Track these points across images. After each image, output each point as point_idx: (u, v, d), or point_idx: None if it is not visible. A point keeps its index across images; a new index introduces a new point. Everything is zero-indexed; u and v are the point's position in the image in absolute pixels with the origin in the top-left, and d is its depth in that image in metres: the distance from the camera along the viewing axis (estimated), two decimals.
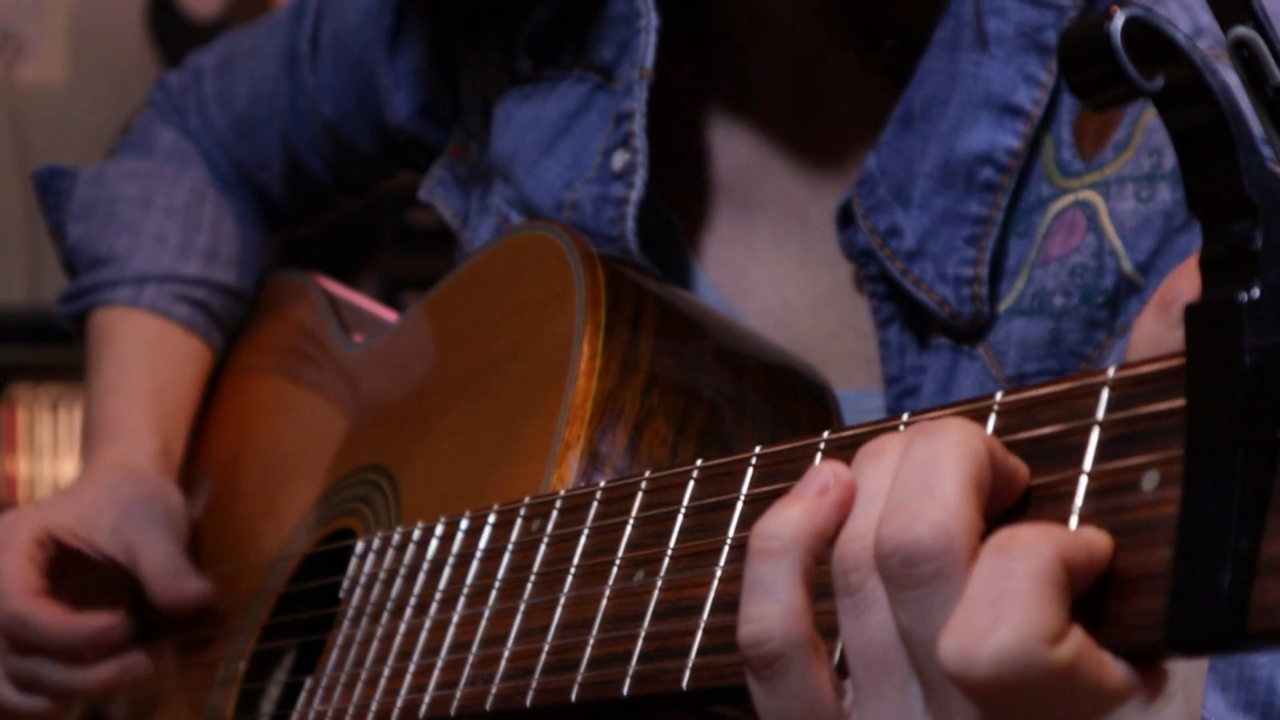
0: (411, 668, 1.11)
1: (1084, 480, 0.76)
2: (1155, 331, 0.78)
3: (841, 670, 0.81)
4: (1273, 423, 0.69)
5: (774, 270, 1.34)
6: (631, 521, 0.99)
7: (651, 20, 1.30)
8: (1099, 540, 0.73)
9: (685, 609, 0.93)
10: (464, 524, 1.13)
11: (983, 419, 0.81)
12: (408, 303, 1.49)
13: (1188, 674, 0.77)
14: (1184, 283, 0.76)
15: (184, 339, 1.67)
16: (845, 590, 0.78)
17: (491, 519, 1.11)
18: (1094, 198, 1.17)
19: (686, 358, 1.20)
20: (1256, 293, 0.70)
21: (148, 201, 1.71)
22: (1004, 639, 0.70)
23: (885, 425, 0.86)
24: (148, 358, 1.65)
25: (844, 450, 0.88)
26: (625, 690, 0.94)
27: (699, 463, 0.96)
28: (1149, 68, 0.70)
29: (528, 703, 1.00)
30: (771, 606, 0.79)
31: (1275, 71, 0.71)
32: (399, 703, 1.11)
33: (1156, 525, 0.72)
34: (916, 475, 0.75)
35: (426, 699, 1.08)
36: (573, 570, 1.02)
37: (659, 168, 1.31)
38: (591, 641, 0.98)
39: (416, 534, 1.18)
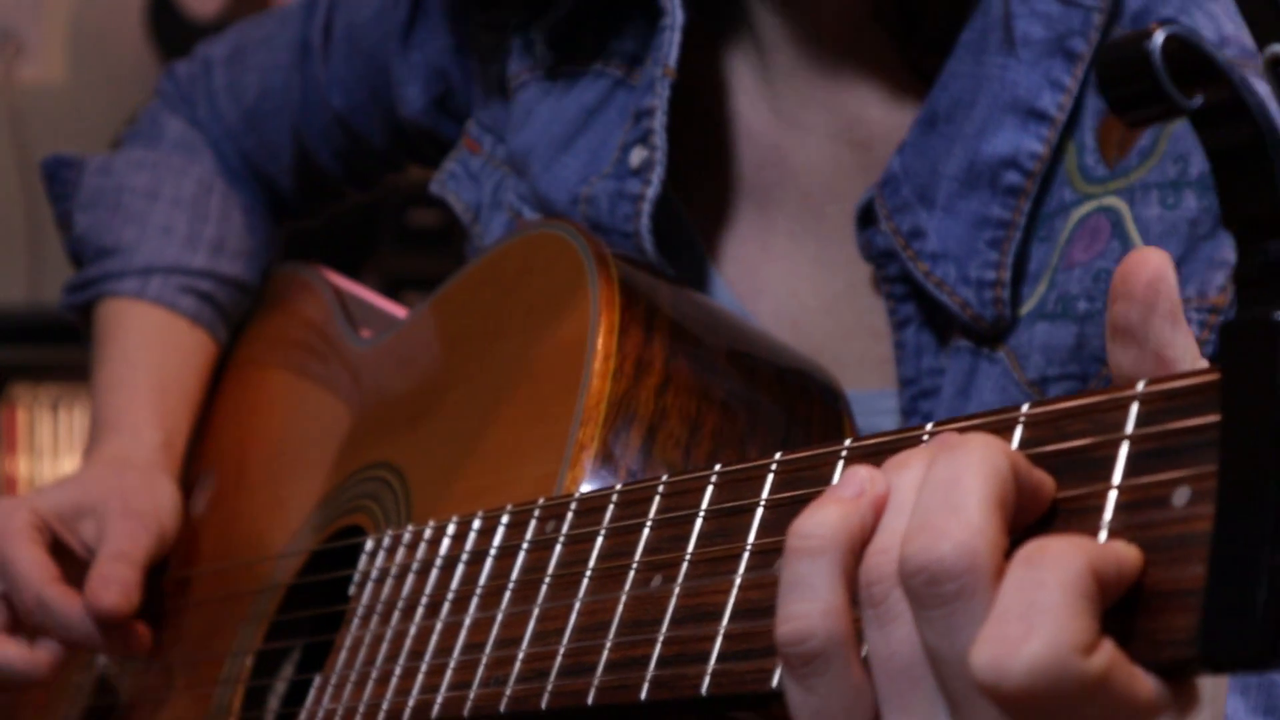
0: (424, 667, 1.11)
1: (1113, 494, 0.75)
2: (1126, 358, 0.81)
3: None
4: None
5: (789, 269, 1.34)
6: (649, 525, 0.99)
7: (677, 18, 1.30)
8: (1128, 554, 0.73)
9: (704, 614, 0.92)
10: (477, 523, 1.13)
11: (1009, 430, 0.81)
12: (409, 302, 1.49)
13: (1215, 684, 0.77)
14: (1118, 306, 0.80)
15: (189, 331, 1.67)
16: (869, 603, 0.78)
17: (505, 519, 1.10)
18: (1118, 204, 1.18)
19: (700, 359, 1.19)
20: None
21: (155, 192, 1.71)
22: (1036, 650, 0.70)
23: (909, 435, 0.86)
24: (152, 350, 1.65)
25: (866, 458, 0.87)
26: (643, 695, 0.93)
27: (718, 467, 0.96)
28: (1188, 86, 0.69)
29: (543, 705, 1.00)
30: (813, 605, 0.78)
31: None
32: (411, 702, 1.11)
33: (1188, 541, 0.72)
34: (940, 493, 0.75)
35: (439, 699, 1.08)
36: (589, 573, 1.02)
37: (676, 165, 1.31)
38: (609, 645, 0.97)
39: (428, 532, 1.17)
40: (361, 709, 1.15)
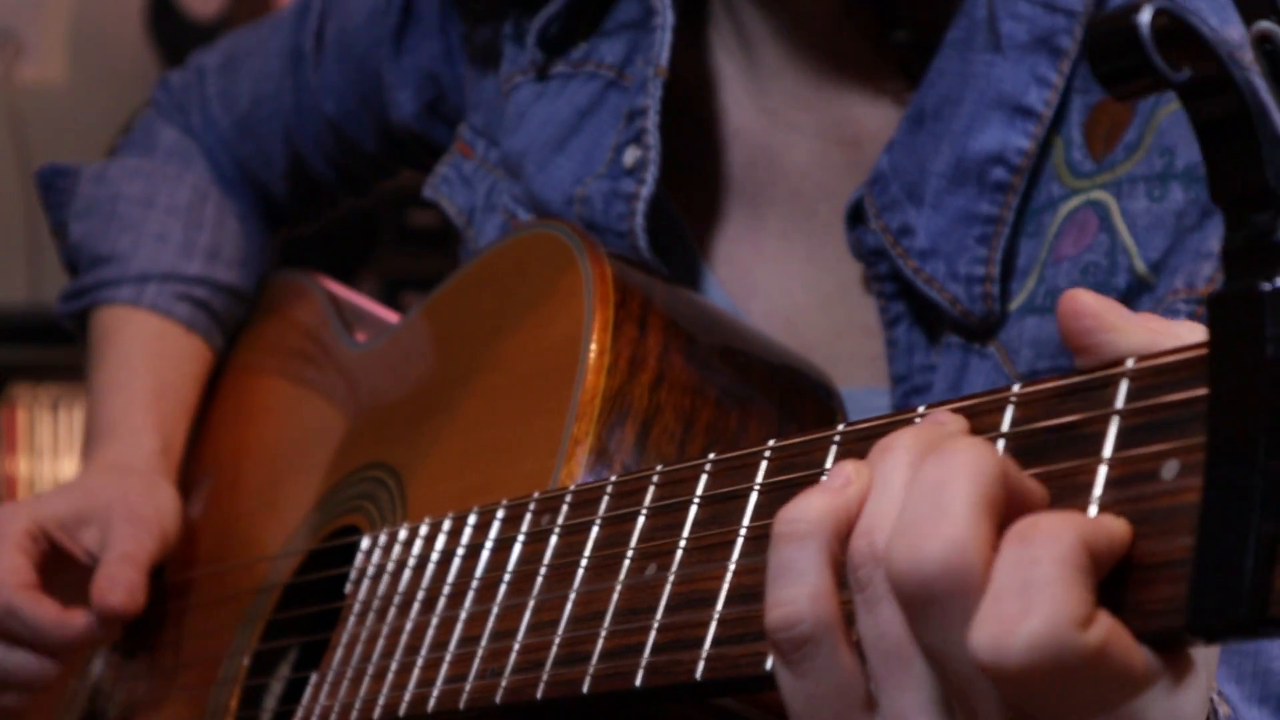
0: (419, 661, 1.11)
1: (1103, 469, 0.76)
2: (1095, 340, 0.81)
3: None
4: None
5: (781, 268, 1.35)
6: (644, 514, 1.00)
7: (668, 18, 1.31)
8: (1119, 526, 0.74)
9: (699, 600, 0.93)
10: (472, 518, 1.13)
11: (1000, 410, 0.81)
12: (407, 303, 1.50)
13: (1206, 654, 0.77)
14: (1067, 303, 0.81)
15: (185, 338, 1.67)
16: (856, 586, 0.79)
17: (500, 513, 1.11)
18: (1106, 197, 1.19)
19: (693, 356, 1.20)
20: (1279, 283, 0.70)
21: (150, 200, 1.71)
22: (1035, 626, 0.70)
23: (901, 418, 0.87)
24: (149, 357, 1.65)
25: (859, 443, 0.88)
26: (638, 682, 0.94)
27: (712, 455, 0.97)
28: (1175, 60, 0.70)
29: (538, 694, 1.00)
30: (800, 590, 0.79)
31: None
32: (407, 696, 1.11)
33: (1177, 513, 0.73)
34: (928, 495, 0.75)
35: (435, 692, 1.08)
36: (584, 563, 1.02)
37: (667, 165, 1.32)
38: (603, 634, 0.98)
39: (424, 529, 1.18)
40: (358, 705, 1.16)
